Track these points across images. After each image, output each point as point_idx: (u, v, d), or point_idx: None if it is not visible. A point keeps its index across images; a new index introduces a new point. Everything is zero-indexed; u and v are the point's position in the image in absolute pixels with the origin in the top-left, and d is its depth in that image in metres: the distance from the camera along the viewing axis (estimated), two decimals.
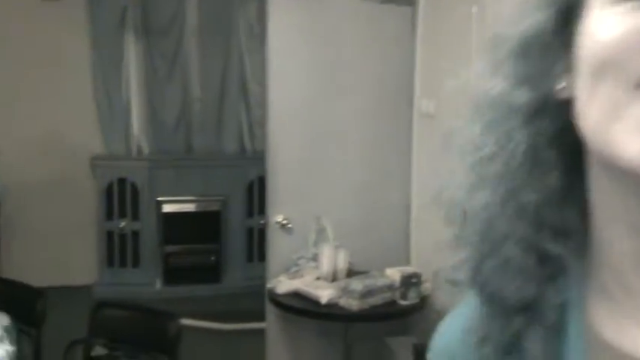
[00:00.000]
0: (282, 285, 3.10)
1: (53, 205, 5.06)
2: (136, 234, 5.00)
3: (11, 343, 3.14)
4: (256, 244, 5.16)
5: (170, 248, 5.05)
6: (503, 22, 0.53)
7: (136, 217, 4.99)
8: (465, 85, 0.56)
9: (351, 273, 3.17)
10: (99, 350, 2.71)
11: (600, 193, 0.50)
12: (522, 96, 0.51)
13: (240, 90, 5.35)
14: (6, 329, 3.15)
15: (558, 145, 0.51)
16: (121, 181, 4.95)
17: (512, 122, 0.51)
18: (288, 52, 3.33)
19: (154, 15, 5.15)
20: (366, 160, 3.52)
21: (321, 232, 3.19)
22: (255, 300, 4.92)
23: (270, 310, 3.34)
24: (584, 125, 0.47)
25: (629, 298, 0.49)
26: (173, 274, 5.07)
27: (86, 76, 5.06)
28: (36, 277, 4.92)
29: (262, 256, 3.87)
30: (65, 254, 5.11)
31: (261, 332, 3.56)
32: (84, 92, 5.07)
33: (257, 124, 5.17)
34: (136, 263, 5.02)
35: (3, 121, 4.92)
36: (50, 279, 4.99)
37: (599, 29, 0.46)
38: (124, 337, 2.69)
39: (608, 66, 0.45)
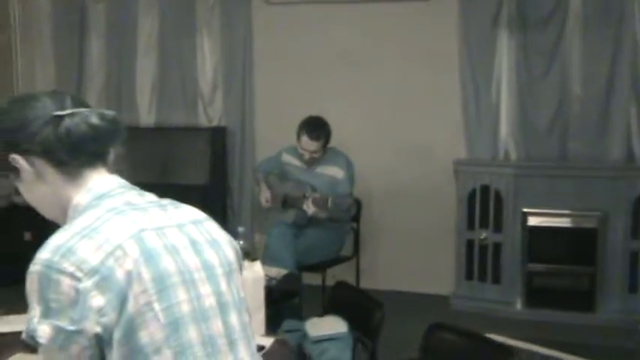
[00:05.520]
0: None
1: (414, 210, 4.96)
2: (497, 246, 4.59)
3: (344, 350, 3.11)
4: None
5: (535, 266, 4.50)
6: None
7: (498, 228, 4.57)
8: None
9: None
10: None
11: None
12: None
13: (631, 87, 4.51)
14: (342, 336, 3.13)
15: None
16: (485, 189, 4.59)
17: None
18: None
19: (531, 5, 4.65)
20: None
21: None
22: (632, 338, 4.12)
23: None
24: None
25: None
26: (537, 296, 4.51)
27: (453, 77, 4.81)
28: (394, 282, 4.92)
29: None
30: (424, 261, 4.97)
31: None
32: (450, 93, 4.84)
33: None
34: (495, 278, 4.60)
35: (376, 125, 5.00)
36: (409, 284, 4.93)
37: None
38: None
39: None
